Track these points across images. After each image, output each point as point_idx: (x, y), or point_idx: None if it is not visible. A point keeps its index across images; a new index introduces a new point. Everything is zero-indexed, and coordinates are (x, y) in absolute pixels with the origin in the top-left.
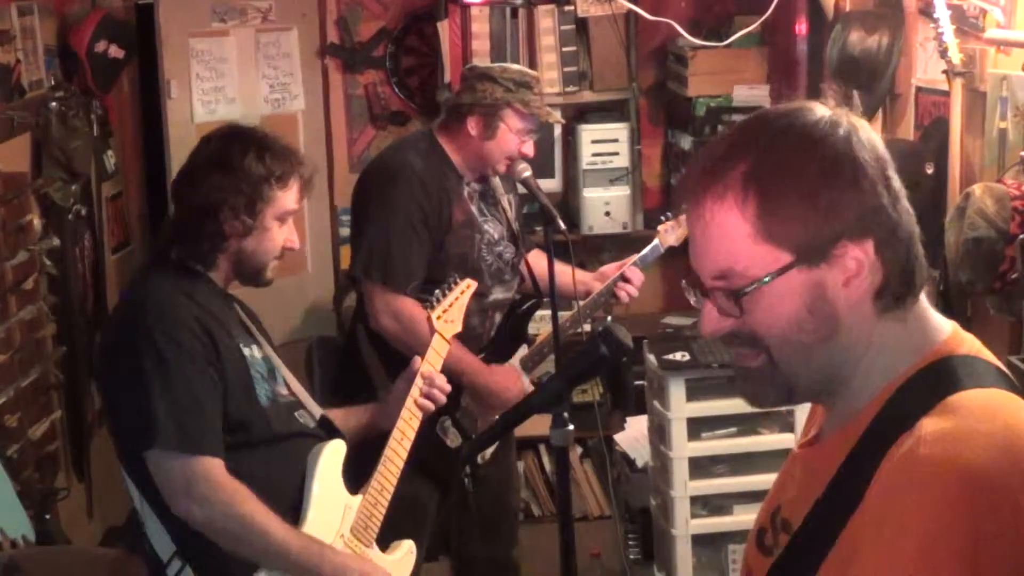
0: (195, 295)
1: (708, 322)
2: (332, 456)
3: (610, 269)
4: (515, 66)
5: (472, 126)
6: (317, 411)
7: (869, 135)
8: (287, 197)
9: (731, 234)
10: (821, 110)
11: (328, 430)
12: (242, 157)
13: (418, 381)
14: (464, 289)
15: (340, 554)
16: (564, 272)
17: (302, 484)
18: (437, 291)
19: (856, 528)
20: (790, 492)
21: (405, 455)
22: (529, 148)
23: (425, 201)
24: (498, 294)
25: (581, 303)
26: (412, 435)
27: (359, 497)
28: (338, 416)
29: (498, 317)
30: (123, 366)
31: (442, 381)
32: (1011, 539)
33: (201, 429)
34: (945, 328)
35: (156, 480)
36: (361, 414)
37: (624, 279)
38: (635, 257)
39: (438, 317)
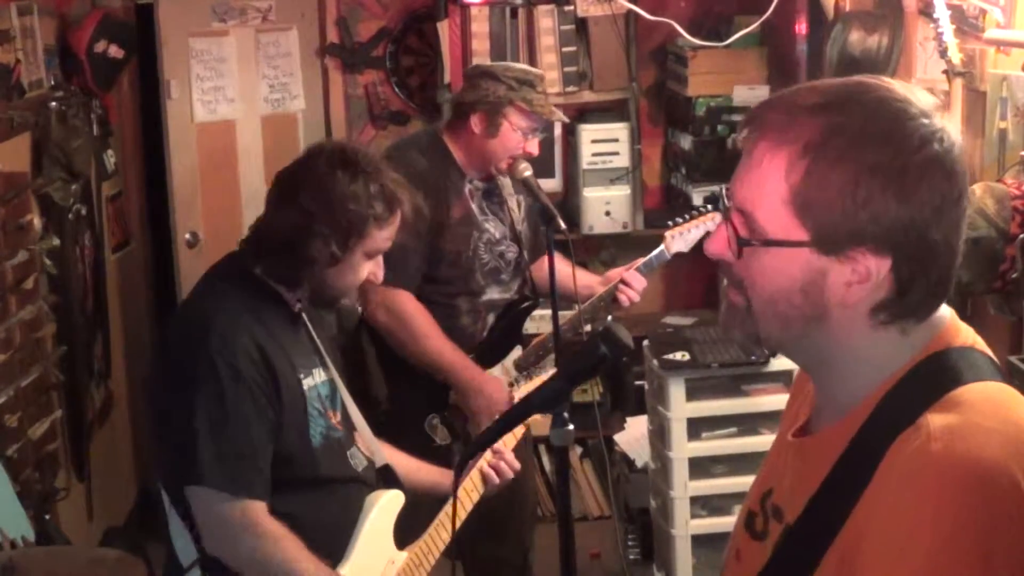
0: (264, 318)
1: (715, 241)
2: (388, 507)
3: (615, 273)
4: (519, 65)
5: (475, 124)
6: (379, 453)
7: (957, 160)
8: (382, 235)
9: (766, 186)
10: (925, 111)
11: (387, 479)
12: (347, 186)
13: (487, 454)
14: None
15: None
16: (569, 274)
17: (345, 529)
18: (526, 373)
19: (861, 522)
20: (784, 480)
21: (443, 546)
22: (534, 147)
23: (421, 197)
24: (493, 294)
25: (582, 306)
26: (470, 506)
27: (405, 554)
28: (410, 467)
29: (491, 318)
30: (178, 387)
31: (511, 457)
32: (1022, 533)
33: (249, 471)
34: (944, 317)
35: (195, 514)
36: (433, 474)
37: (625, 283)
38: (640, 261)
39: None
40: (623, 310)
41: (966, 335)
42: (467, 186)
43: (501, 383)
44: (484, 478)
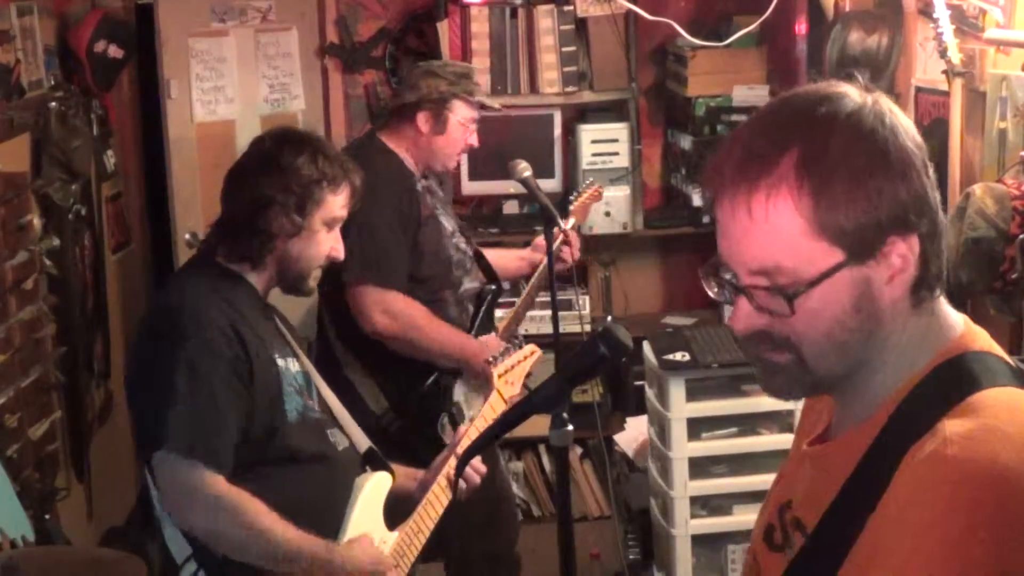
0: (233, 300)
1: (741, 319)
2: (377, 488)
3: (541, 241)
4: (454, 61)
5: (422, 122)
6: (362, 440)
7: (906, 122)
8: (336, 202)
9: (783, 228)
10: (857, 94)
11: (373, 461)
12: (295, 157)
13: (451, 460)
14: (528, 355)
15: (350, 548)
16: (499, 256)
17: (332, 506)
18: (504, 350)
19: (876, 529)
20: (801, 490)
21: (432, 525)
22: (475, 139)
23: (395, 200)
24: (467, 284)
25: (530, 282)
26: (441, 509)
27: (395, 534)
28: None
29: (470, 307)
30: (152, 363)
31: (476, 462)
32: None
33: (214, 441)
34: (958, 323)
35: (159, 483)
36: (408, 477)
37: (565, 242)
38: (568, 223)
39: (500, 375)
40: (622, 309)
41: (983, 340)
42: (419, 185)
43: (498, 341)
44: (451, 484)
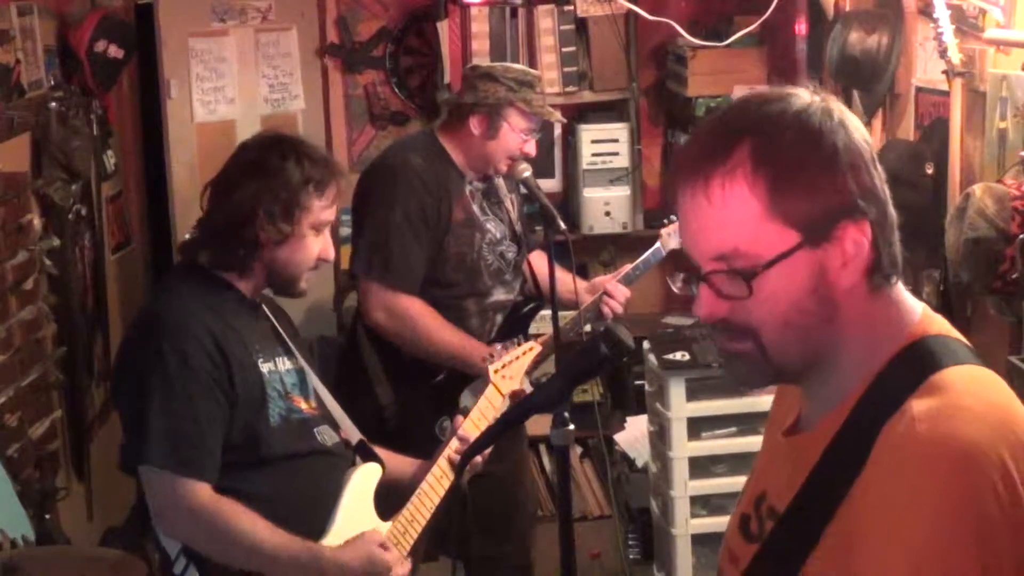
0: (218, 307)
1: (705, 305)
2: (366, 478)
3: (601, 282)
4: (517, 65)
5: (474, 126)
6: (354, 433)
7: (855, 121)
8: (322, 205)
9: (739, 212)
10: (807, 95)
11: (364, 453)
12: (281, 162)
13: (453, 442)
14: (527, 350)
15: (339, 551)
16: (566, 279)
17: (321, 502)
18: (499, 345)
19: (851, 512)
20: (777, 480)
21: (429, 515)
22: (531, 147)
23: (425, 199)
24: (499, 295)
25: (578, 311)
26: (441, 492)
27: (388, 524)
28: (382, 456)
29: (499, 319)
30: (131, 375)
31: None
32: (1010, 511)
33: (194, 452)
34: (916, 309)
35: (146, 494)
36: (405, 465)
37: (608, 294)
38: (627, 268)
39: (496, 371)
40: (623, 310)
41: (940, 324)
42: (467, 187)
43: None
44: (452, 465)
